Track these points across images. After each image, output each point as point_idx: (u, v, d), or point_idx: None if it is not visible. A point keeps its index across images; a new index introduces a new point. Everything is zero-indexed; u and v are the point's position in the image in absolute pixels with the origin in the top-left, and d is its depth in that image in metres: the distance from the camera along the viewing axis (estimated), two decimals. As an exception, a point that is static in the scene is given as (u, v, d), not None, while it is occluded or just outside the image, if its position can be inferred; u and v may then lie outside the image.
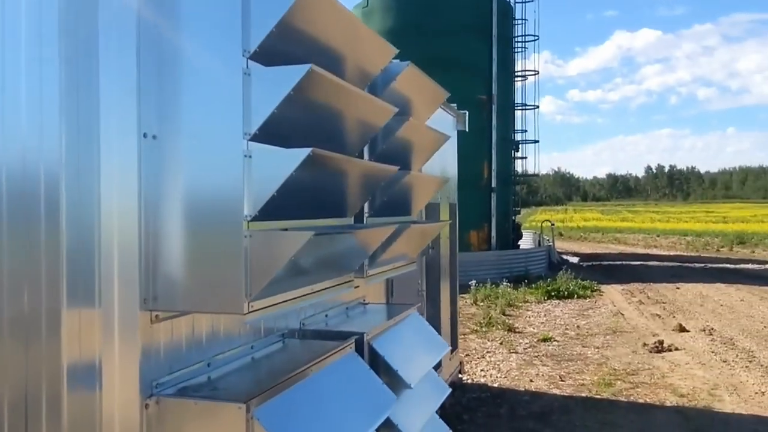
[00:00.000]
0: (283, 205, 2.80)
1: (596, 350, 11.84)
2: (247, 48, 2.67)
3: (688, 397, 8.93)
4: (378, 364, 4.07)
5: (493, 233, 23.65)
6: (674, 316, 14.98)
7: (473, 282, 17.36)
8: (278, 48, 2.80)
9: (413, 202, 4.83)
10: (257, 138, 2.72)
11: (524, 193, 39.56)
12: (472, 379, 9.94)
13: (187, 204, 2.71)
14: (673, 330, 13.44)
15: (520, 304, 16.85)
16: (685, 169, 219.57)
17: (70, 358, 2.62)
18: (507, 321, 14.27)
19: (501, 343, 12.32)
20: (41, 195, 2.63)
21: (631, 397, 8.98)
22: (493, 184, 23.65)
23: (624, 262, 27.80)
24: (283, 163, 2.64)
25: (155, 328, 2.81)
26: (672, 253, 33.13)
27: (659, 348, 11.68)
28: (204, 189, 2.70)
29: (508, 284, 18.53)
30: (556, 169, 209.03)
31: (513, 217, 26.12)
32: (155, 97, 2.74)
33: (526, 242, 28.96)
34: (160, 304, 2.75)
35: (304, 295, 3.20)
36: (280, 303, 2.94)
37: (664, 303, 17.04)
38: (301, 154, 2.61)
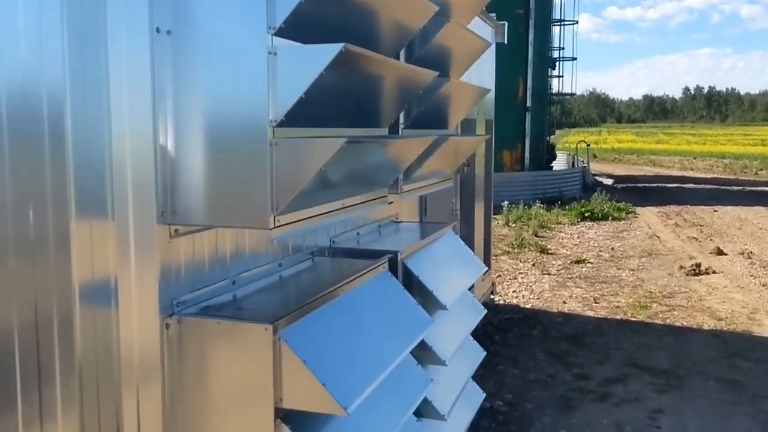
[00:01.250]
0: (312, 110, 2.52)
1: (631, 272, 11.60)
2: (268, -73, 2.33)
3: (726, 321, 8.70)
4: (412, 284, 3.86)
5: (527, 153, 23.15)
6: (711, 239, 14.61)
7: (505, 203, 17.07)
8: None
9: (451, 114, 4.50)
10: (282, 33, 2.42)
11: (558, 113, 38.52)
12: (504, 300, 9.81)
13: (206, 108, 2.44)
14: (710, 253, 13.11)
15: (553, 226, 16.58)
16: (724, 90, 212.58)
17: (82, 275, 2.42)
18: (539, 242, 14.05)
19: (533, 265, 12.14)
20: (44, 103, 2.37)
21: (668, 320, 8.79)
22: (528, 103, 22.98)
23: (659, 185, 27.18)
24: (312, 60, 2.34)
25: (174, 243, 2.60)
26: (709, 175, 32.32)
27: (696, 271, 11.40)
28: (224, 91, 2.42)
29: (541, 205, 18.21)
30: (591, 90, 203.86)
31: (547, 138, 25.49)
32: (168, -14, 2.43)
33: (559, 163, 28.37)
34: (178, 218, 2.52)
35: (334, 211, 2.96)
36: (308, 218, 2.71)
37: (701, 226, 16.62)
38: (332, 50, 2.31)
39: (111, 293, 2.48)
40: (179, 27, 2.45)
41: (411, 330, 3.38)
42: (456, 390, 4.42)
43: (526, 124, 23.16)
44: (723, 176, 31.90)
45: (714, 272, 11.41)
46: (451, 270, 4.45)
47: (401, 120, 3.88)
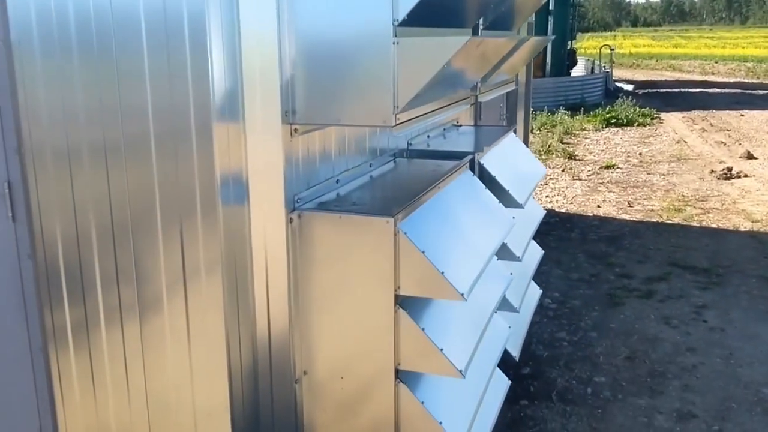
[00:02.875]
0: (426, 9, 2.58)
1: (662, 177, 11.69)
2: None
3: (762, 223, 8.86)
4: (488, 183, 4.00)
5: (549, 59, 22.76)
6: (740, 144, 14.59)
7: (530, 109, 16.94)
8: None
9: (518, 15, 4.52)
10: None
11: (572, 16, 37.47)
12: (539, 204, 9.97)
13: (329, 10, 2.52)
14: (740, 157, 13.13)
15: (578, 132, 16.54)
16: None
17: (222, 170, 2.57)
18: (566, 149, 14.07)
19: (563, 170, 12.23)
20: (184, 18, 2.45)
21: (703, 222, 8.95)
22: (551, 6, 22.38)
23: (682, 90, 26.80)
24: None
25: (294, 142, 2.73)
26: (732, 79, 31.77)
27: (727, 175, 11.47)
28: (345, -8, 2.49)
29: (565, 112, 18.11)
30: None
31: (569, 42, 24.97)
32: None
33: (578, 69, 27.90)
34: (300, 118, 2.64)
35: (437, 109, 3.07)
36: (423, 115, 2.82)
37: (728, 130, 16.55)
38: (458, -52, 2.36)
39: (244, 188, 2.64)
40: (298, -73, 2.49)
41: (498, 227, 3.55)
42: (523, 286, 4.64)
43: (548, 27, 22.64)
44: (747, 80, 31.34)
45: (745, 176, 11.48)
46: (519, 170, 4.58)
47: (480, 23, 3.91)
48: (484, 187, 3.74)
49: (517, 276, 4.43)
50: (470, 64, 3.16)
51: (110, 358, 2.91)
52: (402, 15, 2.45)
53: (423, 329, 2.73)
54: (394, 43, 2.46)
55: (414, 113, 2.73)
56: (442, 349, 2.74)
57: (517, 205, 4.03)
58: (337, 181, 3.13)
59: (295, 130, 2.69)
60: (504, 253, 4.07)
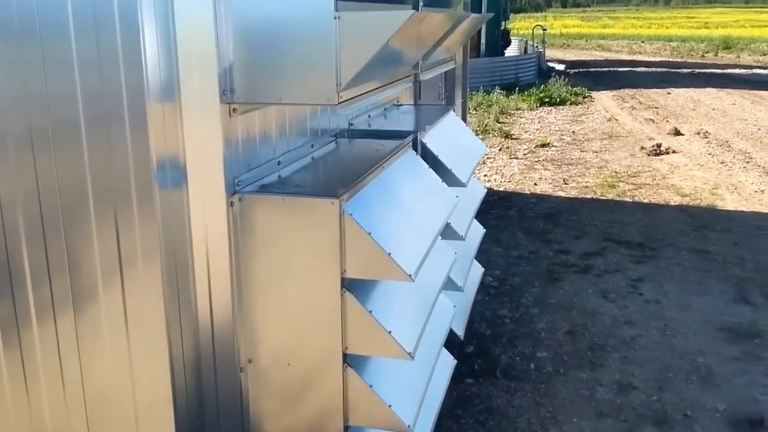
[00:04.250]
0: (367, -16, 2.51)
1: (595, 154, 11.96)
2: None
3: (690, 197, 9.16)
4: (431, 162, 3.97)
5: (483, 40, 22.93)
6: (668, 121, 15.05)
7: (466, 89, 17.05)
8: None
9: (457, -8, 4.48)
10: None
11: (506, -2, 37.86)
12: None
13: (265, -18, 2.41)
14: (668, 134, 13.55)
15: (513, 112, 16.76)
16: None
17: (158, 153, 2.44)
18: (502, 128, 14.23)
19: (500, 150, 12.36)
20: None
21: (636, 198, 9.20)
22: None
23: (611, 69, 27.47)
24: (379, -70, 2.32)
25: (233, 122, 2.62)
26: (658, 59, 32.75)
27: (657, 151, 11.82)
28: (283, -36, 2.39)
29: (501, 92, 18.31)
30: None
31: (502, 23, 25.21)
32: None
33: (511, 50, 28.23)
34: (239, 97, 2.54)
35: (380, 87, 3.01)
36: (364, 94, 2.76)
37: (656, 108, 17.05)
38: None
39: (182, 171, 2.52)
40: None
41: (442, 206, 3.52)
42: (466, 265, 4.66)
43: (482, 9, 22.79)
44: (671, 59, 32.38)
45: (674, 152, 11.85)
46: (461, 149, 4.57)
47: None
48: (428, 166, 3.71)
49: (460, 255, 4.43)
50: (412, 41, 3.10)
51: (43, 354, 2.76)
52: (342, -11, 2.37)
53: (370, 312, 2.69)
54: (335, 18, 2.38)
55: (357, 91, 2.67)
56: (390, 332, 2.70)
57: (460, 184, 4.02)
58: (278, 163, 3.04)
59: (234, 109, 2.59)
60: (448, 232, 4.06)
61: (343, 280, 2.69)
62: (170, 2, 2.40)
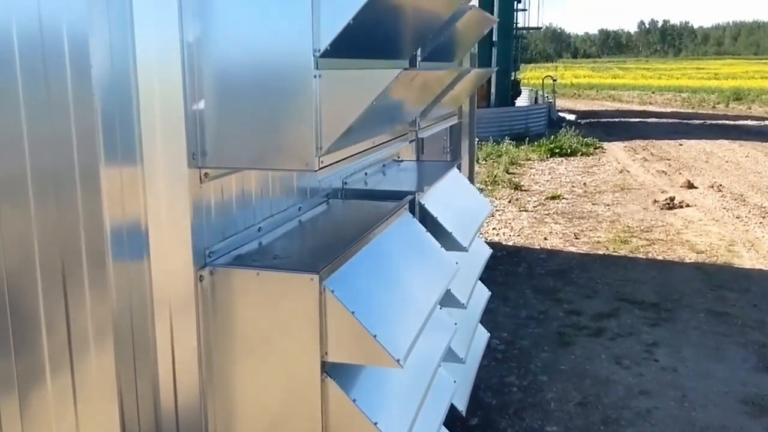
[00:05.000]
0: (353, 39, 2.28)
1: (607, 207, 11.67)
2: None
3: (706, 254, 8.83)
4: (428, 224, 3.71)
5: (493, 89, 22.94)
6: (681, 173, 14.78)
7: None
8: None
9: (460, 46, 4.28)
10: (324, -49, 2.16)
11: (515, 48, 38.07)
12: (486, 238, 9.76)
13: (240, 38, 2.19)
14: (681, 187, 13.27)
15: (523, 162, 16.57)
16: (678, 24, 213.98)
17: (114, 222, 2.19)
18: (512, 179, 14.01)
19: (509, 202, 12.11)
20: (64, 38, 2.08)
21: (649, 254, 8.87)
22: (494, 38, 22.61)
23: (622, 119, 27.38)
24: (363, -20, 2.10)
25: (205, 188, 2.38)
26: (669, 109, 32.69)
27: (670, 205, 11.53)
28: (261, 18, 2.17)
29: (510, 142, 18.16)
30: (547, 25, 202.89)
31: (512, 73, 25.26)
32: None
33: (522, 99, 28.25)
34: (210, 160, 2.30)
35: (368, 149, 2.77)
36: (349, 157, 2.51)
37: (668, 160, 16.80)
38: (386, -32, 2.07)
39: (143, 241, 2.26)
40: (205, -55, 2.17)
41: (440, 275, 3.25)
42: (469, 333, 4.35)
43: (492, 59, 22.84)
44: (683, 110, 32.27)
45: (687, 206, 11.55)
46: (463, 210, 4.31)
47: (418, 53, 3.64)
48: (425, 230, 3.45)
49: (462, 322, 4.13)
50: (406, 98, 2.87)
51: (-12, 441, 2.47)
52: (324, 45, 2.14)
53: (354, 401, 2.39)
54: (315, 77, 2.15)
55: (341, 154, 2.42)
56: (376, 423, 2.40)
57: (461, 249, 3.74)
58: (259, 229, 2.78)
59: (206, 174, 2.34)
60: (448, 300, 3.77)
61: (323, 364, 2.40)
62: (131, 49, 2.17)
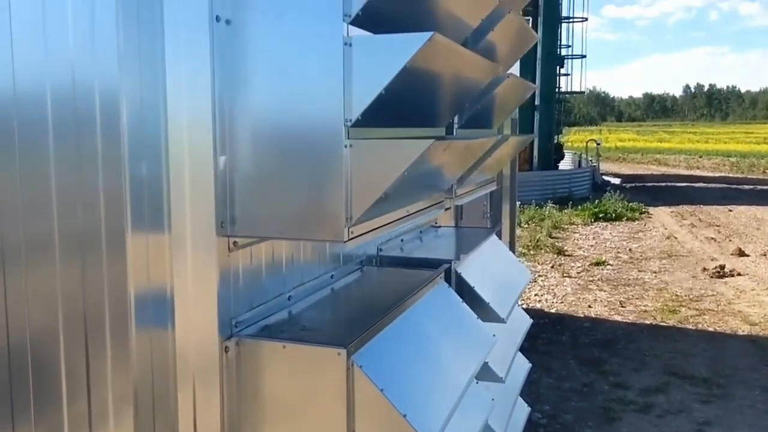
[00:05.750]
0: (386, 108, 2.25)
1: (653, 275, 11.33)
2: None
3: (760, 326, 8.43)
4: (465, 294, 3.60)
5: (536, 153, 22.89)
6: (731, 240, 14.35)
7: (517, 203, 16.79)
8: None
9: (498, 112, 4.24)
10: (358, 21, 2.16)
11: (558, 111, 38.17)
12: (527, 305, 9.54)
13: (271, 106, 2.18)
14: (731, 254, 12.85)
15: (567, 227, 16.32)
16: (724, 88, 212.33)
17: (138, 289, 2.15)
18: (555, 244, 13.78)
19: (552, 267, 11.87)
20: (96, 101, 2.09)
21: (699, 325, 8.52)
22: (536, 102, 22.70)
23: (669, 184, 26.93)
24: (395, 51, 2.07)
25: (233, 256, 2.33)
26: (717, 174, 32.06)
27: (720, 273, 11.14)
28: (291, 86, 2.16)
29: (554, 206, 17.96)
30: (591, 88, 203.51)
31: (555, 137, 25.22)
32: (227, -30, 2.17)
33: (565, 163, 28.09)
34: (239, 229, 2.26)
35: (401, 218, 2.70)
36: (380, 227, 2.45)
37: (717, 226, 16.36)
38: (419, 39, 2.04)
39: (168, 311, 2.22)
40: (240, 15, 2.19)
41: (476, 348, 3.12)
42: (508, 407, 4.17)
43: (535, 123, 22.90)
44: (731, 175, 31.62)
45: (739, 274, 11.14)
46: (502, 279, 4.19)
47: (455, 120, 3.60)
48: (461, 300, 3.34)
49: (502, 396, 3.96)
50: (442, 166, 2.82)
51: None
52: (355, 114, 2.11)
53: (382, 484, 2.26)
54: (345, 146, 2.11)
55: (372, 224, 2.36)
56: None
57: (499, 320, 3.61)
58: (289, 298, 2.72)
59: (234, 243, 2.30)
60: (485, 373, 3.61)
61: (350, 443, 2.28)
62: (162, 115, 2.17)
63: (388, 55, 2.08)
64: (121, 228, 2.10)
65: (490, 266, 4.09)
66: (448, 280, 3.53)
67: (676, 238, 14.86)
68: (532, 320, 4.74)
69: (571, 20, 25.28)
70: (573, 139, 51.77)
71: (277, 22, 2.15)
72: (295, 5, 2.13)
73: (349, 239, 2.18)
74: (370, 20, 2.27)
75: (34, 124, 2.18)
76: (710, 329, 8.36)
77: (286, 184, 2.20)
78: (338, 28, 2.08)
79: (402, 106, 2.46)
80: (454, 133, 3.55)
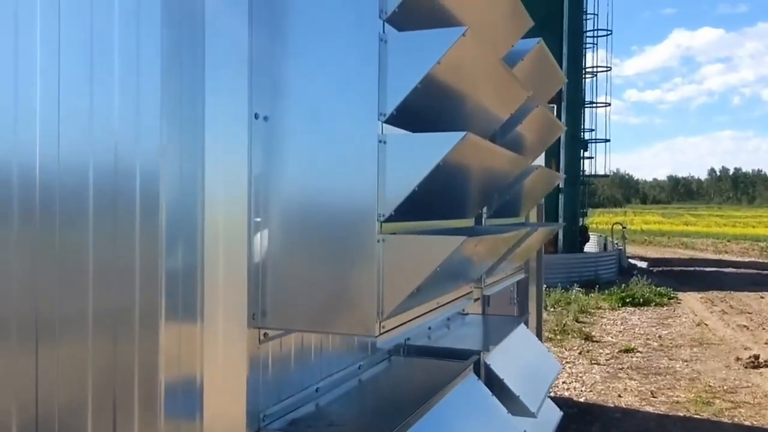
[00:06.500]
0: (419, 203, 2.28)
1: (685, 363, 11.01)
2: (385, 8, 2.16)
3: (800, 421, 8.09)
4: (494, 386, 3.53)
5: (560, 235, 22.78)
6: (764, 328, 13.97)
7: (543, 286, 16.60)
8: (416, 10, 2.29)
9: (526, 201, 4.27)
10: (393, 120, 2.22)
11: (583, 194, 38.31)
12: (555, 392, 9.28)
13: (306, 201, 2.23)
14: (765, 343, 12.47)
15: (593, 311, 16.03)
16: (750, 171, 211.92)
17: (168, 380, 2.14)
18: (582, 329, 13.51)
19: (580, 353, 11.60)
20: (136, 195, 2.14)
21: (735, 419, 8.20)
22: (561, 185, 22.76)
23: (697, 268, 26.51)
24: (429, 149, 2.12)
25: (263, 348, 2.33)
26: (746, 259, 31.55)
27: (755, 363, 10.78)
28: (327, 183, 2.21)
29: (580, 289, 17.73)
30: (615, 171, 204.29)
31: (580, 219, 25.16)
32: (268, 71, 2.26)
33: (590, 245, 27.90)
34: (270, 321, 2.26)
35: (431, 311, 2.69)
36: (411, 320, 2.44)
37: (749, 313, 15.97)
38: (452, 138, 2.09)
39: (197, 402, 2.19)
40: (278, 112, 2.26)
41: (506, 444, 3.04)
42: (538, 505, 4.01)
43: (559, 205, 22.91)
44: (761, 260, 31.08)
45: (774, 365, 10.79)
46: (531, 371, 4.11)
47: (484, 210, 3.64)
48: (491, 394, 3.27)
49: (530, 495, 3.82)
50: (472, 259, 2.82)
51: None
52: (389, 210, 2.14)
53: None
54: (379, 241, 2.13)
55: (403, 318, 2.35)
56: None
57: (530, 414, 3.53)
58: (316, 390, 2.69)
59: (265, 335, 2.31)
60: (514, 470, 3.50)
61: None
62: (200, 207, 2.21)
63: (422, 154, 2.12)
64: (155, 312, 2.11)
65: (519, 357, 4.02)
66: (477, 371, 3.48)
67: (706, 325, 14.51)
68: (561, 412, 4.61)
69: (594, 105, 25.65)
70: (598, 220, 51.66)
71: (313, 120, 2.22)
72: (331, 104, 2.20)
73: (381, 334, 2.17)
74: (405, 118, 2.33)
75: (75, 198, 2.23)
76: (747, 423, 8.04)
77: (318, 278, 2.21)
78: (373, 126, 2.14)
79: (434, 199, 2.50)
80: (483, 223, 3.58)
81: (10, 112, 2.29)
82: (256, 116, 2.24)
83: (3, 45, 2.33)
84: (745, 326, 14.31)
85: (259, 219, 2.24)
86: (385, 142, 2.16)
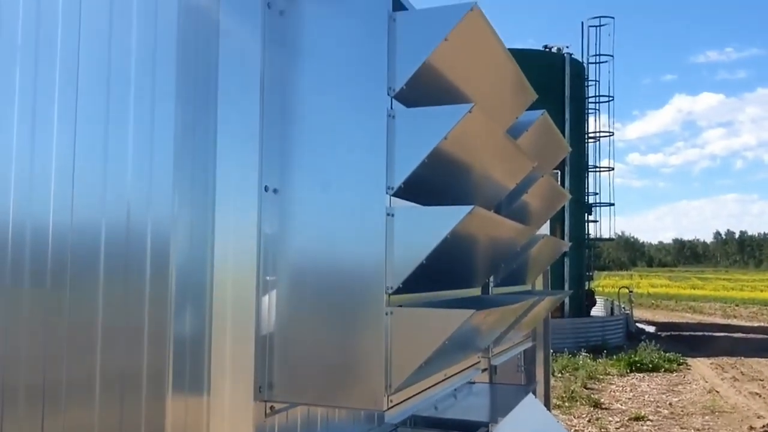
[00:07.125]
0: (426, 275, 2.29)
1: (697, 433, 10.78)
2: (393, 86, 2.22)
3: (817, 495, 7.85)
4: (503, 460, 3.45)
5: (567, 299, 22.59)
6: (776, 396, 13.70)
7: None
8: (423, 87, 2.35)
9: (532, 269, 4.27)
10: (401, 193, 2.25)
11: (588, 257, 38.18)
12: (564, 463, 9.06)
13: (315, 273, 2.24)
14: (779, 411, 12.22)
15: (602, 377, 15.78)
16: (756, 235, 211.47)
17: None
18: (591, 396, 13.27)
19: (589, 421, 11.37)
20: (147, 261, 2.17)
21: (751, 492, 7.97)
22: (566, 249, 22.74)
23: (706, 333, 26.17)
24: (437, 222, 2.15)
25: (269, 421, 2.30)
26: (756, 324, 31.15)
27: (769, 432, 10.56)
28: (335, 255, 2.23)
29: (587, 354, 17.49)
30: (620, 233, 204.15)
31: (586, 283, 25.02)
32: (278, 144, 2.31)
33: (597, 309, 27.64)
34: (277, 394, 2.25)
35: (439, 382, 2.67)
36: (419, 393, 2.41)
37: (761, 380, 15.68)
38: (460, 212, 2.11)
39: (200, 484, 2.16)
40: (287, 185, 2.30)
41: None
42: None
43: (565, 269, 22.82)
44: (771, 325, 30.72)
45: (789, 434, 10.55)
46: (540, 442, 4.03)
47: (491, 279, 3.64)
48: (499, 469, 3.20)
49: None
50: (479, 330, 2.81)
51: None
52: (397, 283, 2.15)
53: None
54: (387, 314, 2.14)
55: (410, 391, 2.33)
56: None
57: (539, 489, 3.44)
58: (322, 465, 2.64)
59: (272, 407, 2.28)
60: None
61: None
62: (209, 276, 2.22)
63: (430, 227, 2.15)
64: (162, 380, 2.10)
65: (528, 429, 3.94)
66: (484, 443, 3.41)
67: (717, 392, 14.24)
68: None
69: (597, 169, 25.85)
70: (604, 283, 51.33)
71: (322, 193, 2.26)
72: (340, 178, 2.24)
73: (389, 408, 2.15)
74: (412, 191, 2.36)
75: (86, 261, 2.25)
76: (763, 496, 7.81)
77: (325, 350, 2.21)
78: (381, 200, 2.17)
79: (441, 270, 2.51)
80: (490, 292, 3.57)
81: (26, 174, 2.36)
82: (266, 188, 2.27)
83: (22, 115, 2.41)
84: (757, 393, 14.04)
85: (267, 290, 2.25)
86: (393, 215, 2.19)
